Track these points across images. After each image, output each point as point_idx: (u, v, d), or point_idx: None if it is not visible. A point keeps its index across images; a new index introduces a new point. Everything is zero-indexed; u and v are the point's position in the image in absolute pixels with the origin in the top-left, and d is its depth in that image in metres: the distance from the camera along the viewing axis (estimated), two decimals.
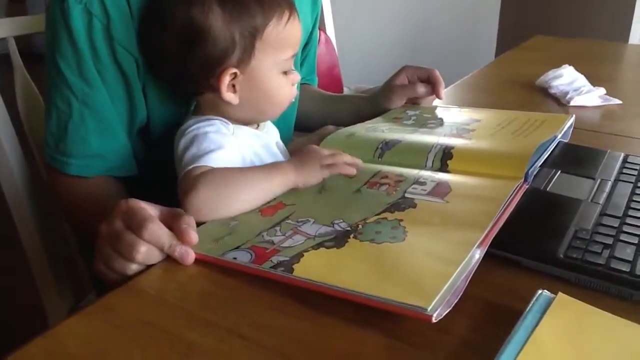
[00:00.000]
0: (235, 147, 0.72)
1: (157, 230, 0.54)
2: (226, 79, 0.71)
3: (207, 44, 0.69)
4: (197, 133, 0.70)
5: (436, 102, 1.12)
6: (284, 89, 0.75)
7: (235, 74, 0.71)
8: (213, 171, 0.64)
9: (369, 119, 0.93)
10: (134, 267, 0.55)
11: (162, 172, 0.79)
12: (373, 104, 1.00)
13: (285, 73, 0.74)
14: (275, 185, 0.66)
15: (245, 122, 0.77)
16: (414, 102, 0.99)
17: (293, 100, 0.79)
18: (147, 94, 0.76)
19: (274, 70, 0.73)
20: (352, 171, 0.70)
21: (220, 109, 0.75)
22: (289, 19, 0.72)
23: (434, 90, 0.96)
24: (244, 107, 0.74)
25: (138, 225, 0.54)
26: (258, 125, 0.80)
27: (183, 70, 0.72)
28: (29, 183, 0.91)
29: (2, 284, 1.87)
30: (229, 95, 0.72)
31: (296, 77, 0.76)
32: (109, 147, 0.75)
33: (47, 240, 0.93)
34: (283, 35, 0.71)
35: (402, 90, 0.97)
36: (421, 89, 0.96)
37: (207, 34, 0.69)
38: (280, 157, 0.81)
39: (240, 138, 0.75)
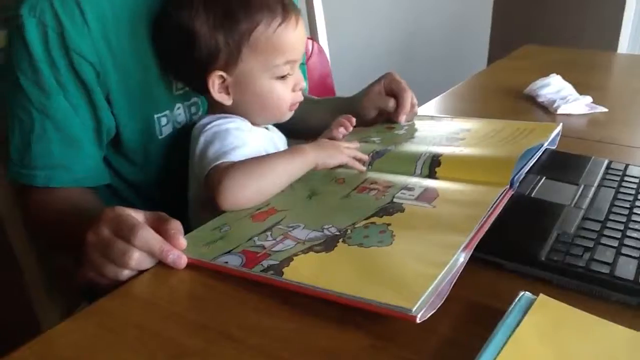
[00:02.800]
0: (256, 144, 0.74)
1: (148, 236, 0.55)
2: (215, 82, 0.73)
3: (194, 47, 0.71)
4: (218, 130, 0.73)
5: (425, 112, 1.13)
6: (279, 94, 0.76)
7: (222, 77, 0.73)
8: (237, 164, 0.67)
9: None
10: (126, 273, 0.56)
11: (139, 180, 0.80)
12: (350, 107, 0.96)
13: (282, 78, 0.75)
14: (297, 167, 0.70)
15: (254, 124, 0.79)
16: (383, 114, 0.95)
17: (296, 105, 0.80)
18: (112, 104, 0.75)
19: (265, 74, 0.74)
20: (362, 168, 0.74)
21: (229, 110, 0.77)
22: (281, 24, 0.72)
23: (395, 112, 0.92)
24: (243, 109, 0.77)
25: (128, 231, 0.55)
26: (268, 128, 0.82)
27: (178, 71, 0.75)
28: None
29: None
30: (220, 96, 0.75)
31: (299, 83, 0.77)
32: (72, 157, 0.75)
33: (40, 251, 0.93)
34: (274, 41, 0.72)
35: (376, 99, 0.94)
36: (391, 104, 0.92)
37: (194, 37, 0.71)
38: None
39: (256, 137, 0.77)
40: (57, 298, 0.97)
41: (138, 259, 0.55)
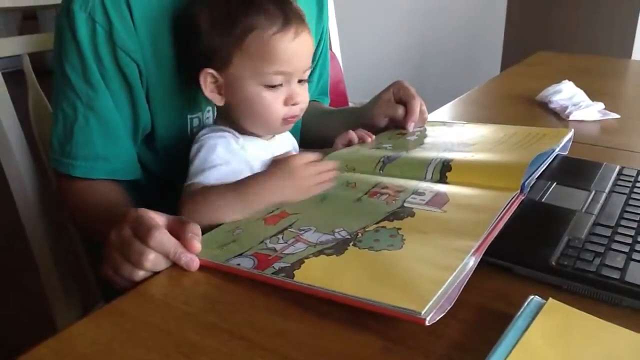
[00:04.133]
0: (239, 163, 0.74)
1: (163, 238, 0.56)
2: (207, 80, 0.75)
3: (195, 42, 0.73)
4: (205, 143, 0.74)
5: (437, 118, 1.14)
6: (267, 103, 0.74)
7: (214, 76, 0.74)
8: (202, 191, 0.68)
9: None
10: (141, 274, 0.57)
11: (168, 179, 0.81)
12: (361, 117, 0.98)
13: (273, 87, 0.74)
14: (249, 208, 0.66)
15: (253, 134, 0.79)
16: (394, 121, 0.95)
17: (292, 119, 0.78)
18: (150, 101, 0.79)
19: (254, 81, 0.73)
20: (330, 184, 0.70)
21: (230, 118, 0.78)
22: (277, 32, 0.71)
23: (404, 119, 0.92)
24: (235, 114, 0.77)
25: (145, 233, 0.56)
26: (274, 137, 0.82)
27: (180, 61, 0.77)
28: (40, 194, 0.93)
29: (13, 291, 1.90)
30: (212, 96, 0.76)
31: (293, 97, 0.75)
32: (112, 149, 0.77)
33: (57, 250, 0.95)
34: (265, 48, 0.71)
35: (385, 108, 0.94)
36: (400, 111, 0.92)
37: (196, 32, 0.73)
38: None
39: (249, 151, 0.77)
40: (73, 298, 0.98)
41: (153, 261, 0.56)
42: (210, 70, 0.74)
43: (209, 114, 0.85)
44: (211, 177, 0.70)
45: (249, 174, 0.71)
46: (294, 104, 0.76)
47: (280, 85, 0.74)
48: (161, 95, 0.79)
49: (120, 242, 0.58)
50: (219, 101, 0.76)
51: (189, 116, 0.82)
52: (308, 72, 0.78)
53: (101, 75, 0.74)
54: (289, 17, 0.73)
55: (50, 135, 0.78)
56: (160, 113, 0.80)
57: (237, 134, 0.78)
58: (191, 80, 0.76)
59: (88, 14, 0.72)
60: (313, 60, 1.06)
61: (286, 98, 0.76)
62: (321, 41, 1.07)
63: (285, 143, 0.86)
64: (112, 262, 0.58)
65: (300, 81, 0.77)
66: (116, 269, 0.58)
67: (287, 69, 0.73)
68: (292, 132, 0.99)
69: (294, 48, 0.73)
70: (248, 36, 0.71)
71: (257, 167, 0.76)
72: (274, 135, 0.83)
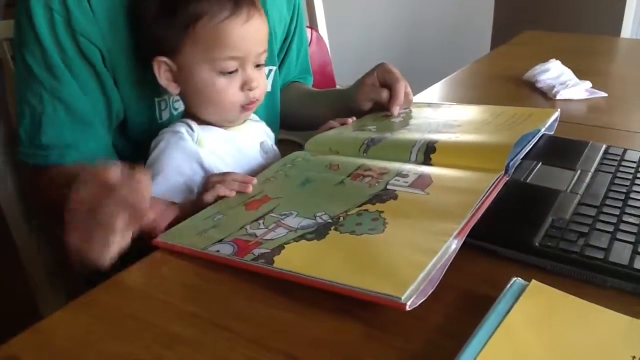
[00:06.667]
0: (185, 169, 0.72)
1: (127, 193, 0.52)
2: (160, 68, 0.73)
3: (143, 29, 0.73)
4: (157, 145, 0.73)
5: (424, 99, 1.13)
6: (221, 89, 0.73)
7: (167, 63, 0.73)
8: None
9: (343, 114, 0.91)
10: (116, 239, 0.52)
11: (141, 163, 0.79)
12: (345, 100, 0.97)
13: (228, 74, 0.72)
14: None
15: (213, 123, 0.78)
16: (378, 105, 0.93)
17: (250, 106, 0.76)
18: (119, 87, 0.77)
19: (206, 67, 0.72)
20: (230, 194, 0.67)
21: (187, 108, 0.78)
22: (228, 17, 0.70)
23: (388, 103, 0.91)
24: (191, 103, 0.76)
25: (109, 192, 0.51)
26: (237, 126, 0.80)
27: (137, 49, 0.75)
28: (20, 183, 0.91)
29: None
30: (167, 84, 0.75)
31: (249, 83, 0.74)
32: (84, 138, 0.75)
33: (41, 241, 0.94)
34: (216, 33, 0.70)
35: (368, 91, 0.93)
36: (384, 95, 0.91)
37: (142, 20, 0.72)
38: (258, 159, 0.81)
39: (206, 145, 0.75)
40: (58, 286, 0.97)
41: (124, 218, 0.51)
42: (163, 58, 0.73)
43: (178, 97, 0.82)
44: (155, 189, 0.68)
45: (187, 192, 0.71)
46: (250, 89, 0.75)
47: (235, 71, 0.73)
48: (128, 81, 0.77)
49: (84, 205, 0.52)
50: (174, 89, 0.75)
51: (156, 99, 0.81)
52: (264, 56, 0.76)
53: (65, 65, 0.72)
54: (239, 0, 0.71)
55: (17, 128, 0.75)
56: (129, 98, 0.79)
57: (194, 125, 0.76)
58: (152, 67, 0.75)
59: (44, 3, 0.70)
60: (287, 38, 1.05)
61: (242, 84, 0.74)
62: (294, 17, 1.05)
63: (252, 132, 0.84)
64: (78, 230, 0.52)
65: (257, 66, 0.75)
66: (86, 236, 0.52)
67: (240, 54, 0.72)
68: (271, 117, 0.97)
69: (246, 32, 0.72)
70: (198, 23, 0.70)
71: (214, 161, 0.74)
72: (236, 124, 0.80)
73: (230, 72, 0.73)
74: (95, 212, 0.52)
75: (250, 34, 0.72)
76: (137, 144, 0.82)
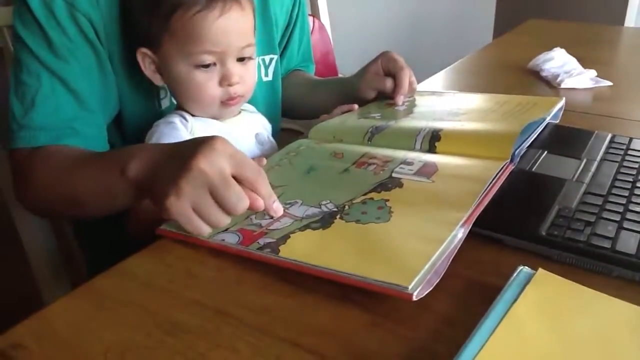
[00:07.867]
0: None
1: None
2: (144, 59, 0.74)
3: (129, 22, 0.72)
4: (150, 137, 0.74)
5: (428, 87, 1.12)
6: (199, 83, 0.72)
7: (149, 55, 0.73)
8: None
9: (346, 103, 0.89)
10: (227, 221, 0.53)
11: None
12: (348, 89, 0.95)
13: (205, 67, 0.71)
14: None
15: (205, 116, 0.77)
16: (382, 94, 0.92)
17: (232, 102, 0.75)
18: (116, 72, 0.76)
19: (184, 62, 0.71)
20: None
21: (177, 101, 0.78)
22: (200, 11, 0.68)
23: (393, 92, 0.89)
24: (175, 96, 0.77)
25: (252, 175, 0.53)
26: (231, 118, 0.79)
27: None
28: None
29: (1, 274, 1.88)
30: (152, 75, 0.75)
31: (228, 78, 0.72)
32: (83, 121, 0.72)
33: (45, 232, 0.94)
34: (191, 28, 0.69)
35: (372, 80, 0.91)
36: (388, 84, 0.90)
37: (128, 13, 0.72)
38: (254, 151, 0.80)
39: (200, 135, 0.71)
40: (61, 275, 0.97)
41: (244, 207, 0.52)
42: (145, 50, 0.73)
43: None
44: None
45: None
46: (230, 85, 0.73)
47: (214, 64, 0.72)
48: (125, 66, 0.76)
49: (220, 178, 0.51)
50: (158, 81, 0.75)
51: (154, 87, 0.80)
52: (250, 50, 0.74)
53: (66, 45, 0.70)
54: None
55: (8, 117, 0.71)
56: (127, 94, 0.78)
57: (187, 116, 0.75)
58: None
59: None
60: (289, 25, 1.03)
61: (220, 79, 0.73)
62: (296, 4, 1.03)
63: (247, 124, 0.82)
64: (194, 197, 0.51)
65: (241, 59, 0.74)
66: (200, 207, 0.52)
67: (215, 48, 0.70)
68: (271, 106, 0.96)
69: (221, 26, 0.70)
70: (173, 15, 0.69)
71: None
72: (229, 117, 0.79)
73: (207, 66, 0.71)
74: (218, 192, 0.51)
75: (226, 28, 0.70)
76: (132, 142, 0.80)
